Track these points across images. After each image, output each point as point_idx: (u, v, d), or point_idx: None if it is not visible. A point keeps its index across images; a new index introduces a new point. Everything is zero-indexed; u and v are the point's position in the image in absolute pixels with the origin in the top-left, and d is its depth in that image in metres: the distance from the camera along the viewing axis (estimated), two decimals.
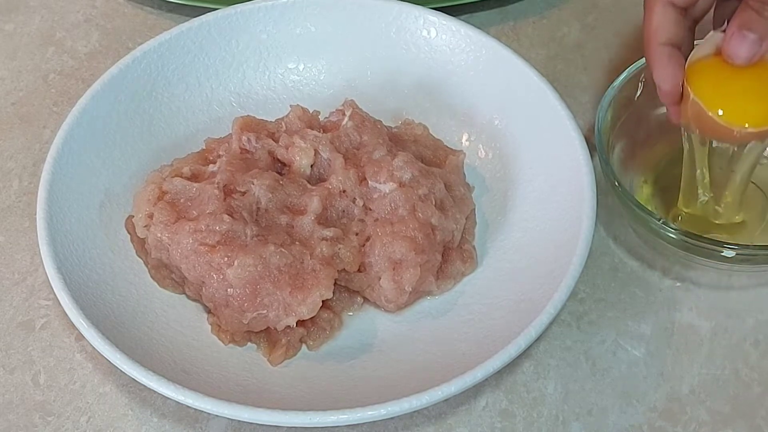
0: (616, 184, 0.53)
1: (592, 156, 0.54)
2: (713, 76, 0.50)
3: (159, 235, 0.52)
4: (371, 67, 0.63)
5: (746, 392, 0.52)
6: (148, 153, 0.59)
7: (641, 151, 0.59)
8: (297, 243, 0.52)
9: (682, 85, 0.50)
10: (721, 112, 0.49)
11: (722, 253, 0.51)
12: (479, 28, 0.61)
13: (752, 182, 0.58)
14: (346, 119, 0.57)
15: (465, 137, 0.61)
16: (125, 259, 0.55)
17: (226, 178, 0.53)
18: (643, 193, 0.58)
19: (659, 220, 0.52)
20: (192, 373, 0.49)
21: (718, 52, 0.49)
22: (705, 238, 0.51)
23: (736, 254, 0.51)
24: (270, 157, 0.56)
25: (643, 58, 0.56)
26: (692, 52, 0.51)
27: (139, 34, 0.71)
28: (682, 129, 0.52)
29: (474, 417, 0.51)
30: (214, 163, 0.55)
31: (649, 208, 0.54)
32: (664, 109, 0.53)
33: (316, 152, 0.55)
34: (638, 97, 0.58)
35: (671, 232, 0.52)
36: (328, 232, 0.52)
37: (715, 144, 0.51)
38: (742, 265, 0.53)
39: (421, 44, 0.62)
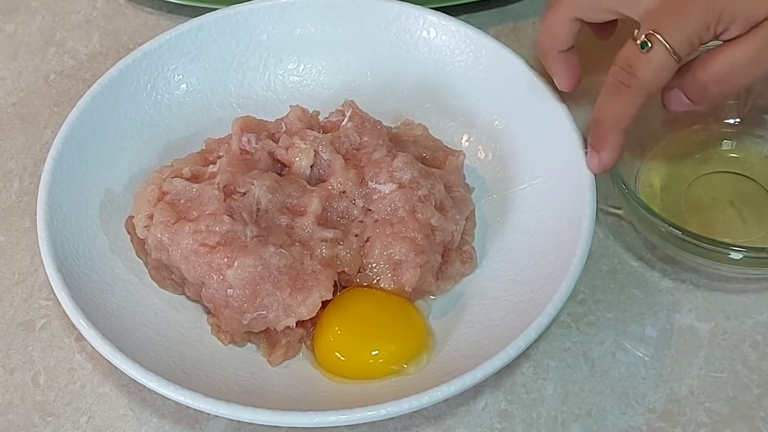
0: (624, 187, 0.53)
1: None
2: None
3: (159, 235, 0.52)
4: (371, 67, 0.63)
5: (745, 393, 0.52)
6: (148, 153, 0.59)
7: (646, 153, 0.59)
8: (297, 244, 0.52)
9: None
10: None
11: (729, 256, 0.51)
12: (479, 28, 0.61)
13: (755, 181, 0.58)
14: (346, 120, 0.57)
15: (465, 138, 0.60)
16: (125, 259, 0.55)
17: (226, 178, 0.53)
18: (647, 194, 0.57)
19: (669, 225, 0.52)
20: (192, 374, 0.49)
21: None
22: (713, 240, 0.51)
23: (743, 257, 0.51)
24: (270, 158, 0.56)
25: None
26: None
27: (140, 35, 0.70)
28: None
29: (473, 418, 0.51)
30: (214, 163, 0.55)
31: (655, 210, 0.54)
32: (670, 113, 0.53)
33: (316, 153, 0.55)
34: None
35: (679, 235, 0.52)
36: (329, 234, 0.52)
37: None
38: (749, 268, 0.52)
39: (421, 45, 0.62)
